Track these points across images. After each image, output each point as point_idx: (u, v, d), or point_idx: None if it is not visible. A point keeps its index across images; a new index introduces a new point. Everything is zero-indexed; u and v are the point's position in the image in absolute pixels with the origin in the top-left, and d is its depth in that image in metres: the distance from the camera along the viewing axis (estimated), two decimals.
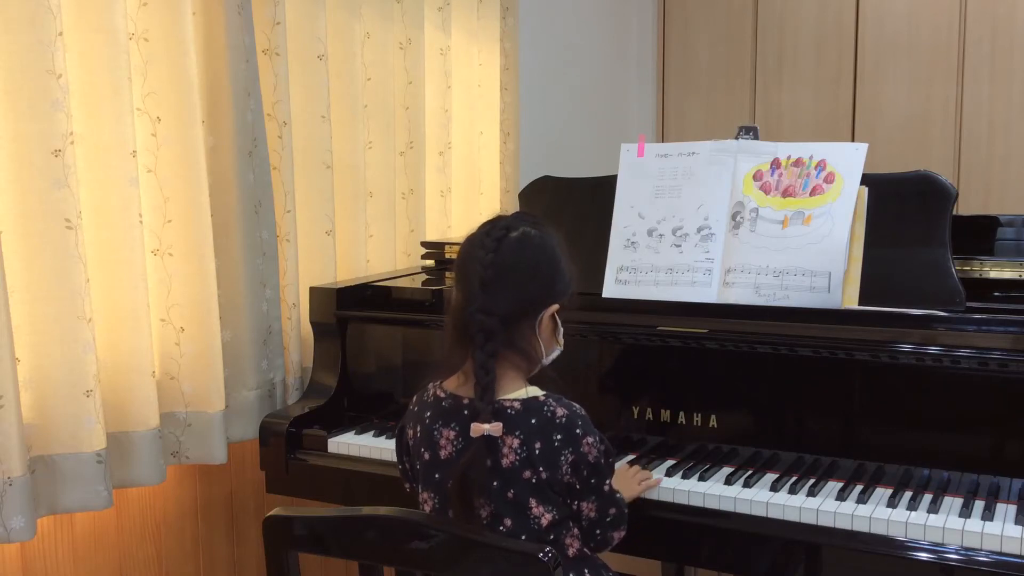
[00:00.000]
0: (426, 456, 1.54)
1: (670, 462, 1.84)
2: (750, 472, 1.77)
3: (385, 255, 2.65)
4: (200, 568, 2.29)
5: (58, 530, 1.95)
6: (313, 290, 2.24)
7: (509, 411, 1.47)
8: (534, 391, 1.51)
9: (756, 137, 1.96)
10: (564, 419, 1.47)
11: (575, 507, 1.51)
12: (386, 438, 2.05)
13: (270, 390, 2.27)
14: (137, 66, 1.95)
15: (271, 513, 1.40)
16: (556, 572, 1.24)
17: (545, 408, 1.48)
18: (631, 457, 1.88)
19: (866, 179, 1.84)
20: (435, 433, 1.52)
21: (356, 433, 2.11)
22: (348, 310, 2.21)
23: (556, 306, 1.53)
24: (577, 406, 1.51)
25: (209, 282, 2.04)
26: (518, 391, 1.50)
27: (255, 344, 2.20)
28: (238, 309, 2.16)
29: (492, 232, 1.51)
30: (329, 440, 2.08)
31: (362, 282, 2.30)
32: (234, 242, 2.14)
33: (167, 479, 2.04)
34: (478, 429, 1.45)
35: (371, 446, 2.03)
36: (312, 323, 2.26)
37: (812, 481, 1.71)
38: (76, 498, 1.82)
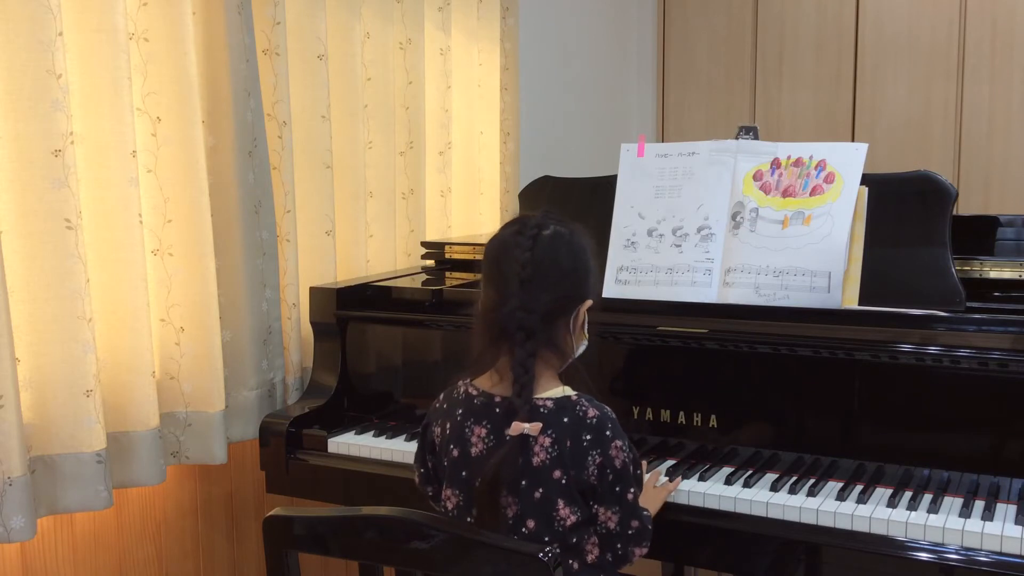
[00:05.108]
0: (455, 453, 1.53)
1: (670, 462, 1.84)
2: (750, 472, 1.77)
3: (385, 255, 2.65)
4: (200, 568, 2.29)
5: (58, 530, 1.95)
6: (313, 290, 2.24)
7: (542, 410, 1.47)
8: (568, 391, 1.51)
9: (756, 137, 1.96)
10: (595, 420, 1.47)
11: (593, 510, 1.49)
12: (386, 438, 2.05)
13: (270, 390, 2.27)
14: (137, 66, 1.95)
15: (271, 513, 1.40)
16: (556, 572, 1.24)
17: (578, 408, 1.48)
18: None
19: (866, 179, 1.84)
20: (466, 430, 1.51)
21: (356, 433, 2.11)
22: (348, 310, 2.20)
23: (589, 302, 1.54)
24: (608, 408, 1.50)
25: (209, 282, 2.04)
26: (552, 390, 1.50)
27: (255, 344, 2.20)
28: (238, 309, 2.16)
29: (525, 231, 1.50)
30: (329, 440, 2.07)
31: (362, 282, 2.30)
32: (234, 242, 2.14)
33: (167, 479, 2.04)
34: (518, 427, 1.44)
35: (371, 446, 2.03)
36: (312, 323, 2.26)
37: (812, 481, 1.71)
38: (76, 498, 1.82)
